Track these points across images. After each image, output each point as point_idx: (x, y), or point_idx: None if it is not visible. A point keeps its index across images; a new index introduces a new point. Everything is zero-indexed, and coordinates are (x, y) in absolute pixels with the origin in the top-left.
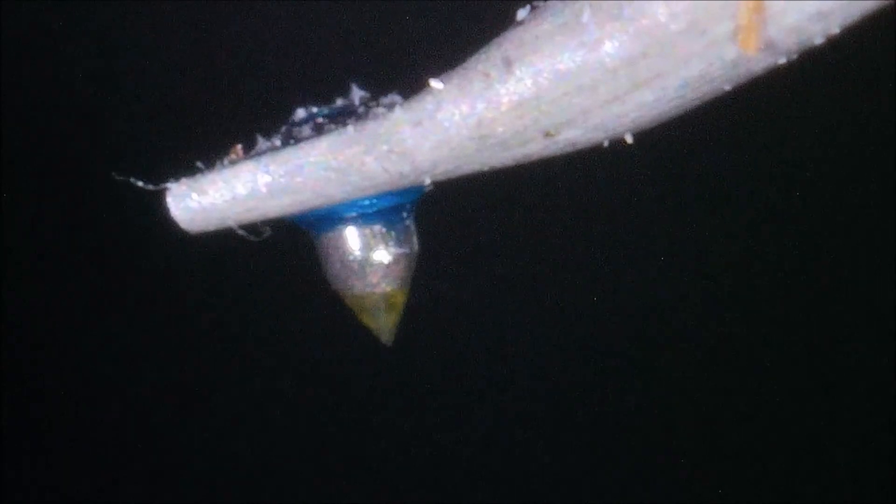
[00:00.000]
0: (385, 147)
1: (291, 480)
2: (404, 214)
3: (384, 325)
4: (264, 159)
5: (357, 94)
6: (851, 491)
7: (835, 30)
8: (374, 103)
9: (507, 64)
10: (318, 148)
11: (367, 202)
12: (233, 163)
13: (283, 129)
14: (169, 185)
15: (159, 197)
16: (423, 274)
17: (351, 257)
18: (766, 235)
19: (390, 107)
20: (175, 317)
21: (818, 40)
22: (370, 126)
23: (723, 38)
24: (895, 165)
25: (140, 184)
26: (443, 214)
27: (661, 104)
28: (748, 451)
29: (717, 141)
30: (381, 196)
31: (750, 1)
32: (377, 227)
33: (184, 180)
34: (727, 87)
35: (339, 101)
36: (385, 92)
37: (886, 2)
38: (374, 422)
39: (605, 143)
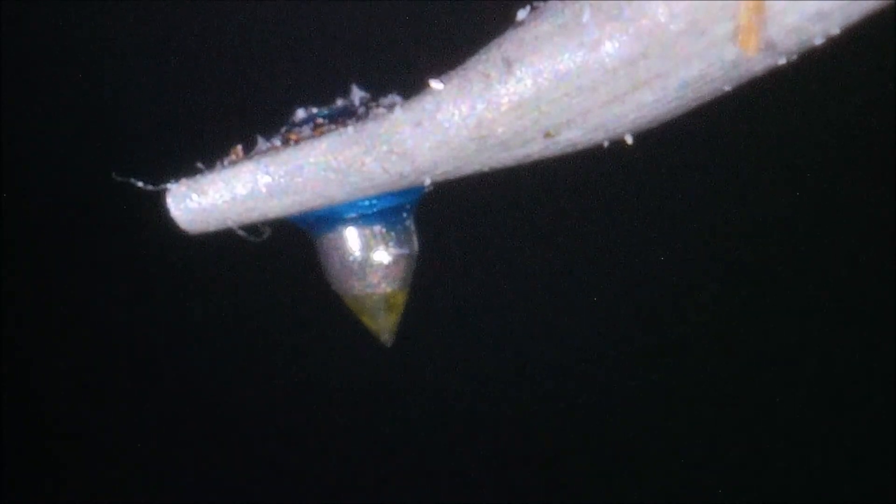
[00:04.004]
0: (385, 147)
1: (291, 480)
2: (404, 215)
3: (384, 325)
4: (264, 160)
5: (357, 94)
6: (851, 491)
7: (835, 30)
8: (374, 103)
9: (507, 64)
10: (318, 148)
11: (367, 203)
12: (233, 163)
13: (283, 129)
14: (169, 185)
15: (159, 197)
16: (423, 274)
17: (351, 258)
18: (766, 235)
19: (390, 107)
20: (174, 317)
21: (818, 41)
22: (370, 126)
23: (723, 38)
24: (895, 165)
25: (140, 184)
26: (443, 214)
27: (661, 105)
28: (748, 452)
29: (717, 141)
30: (381, 197)
31: (750, 1)
32: (377, 228)
33: (184, 181)
34: (727, 88)
35: (339, 102)
36: (385, 92)
37: (886, 2)
38: (374, 422)
39: (605, 144)
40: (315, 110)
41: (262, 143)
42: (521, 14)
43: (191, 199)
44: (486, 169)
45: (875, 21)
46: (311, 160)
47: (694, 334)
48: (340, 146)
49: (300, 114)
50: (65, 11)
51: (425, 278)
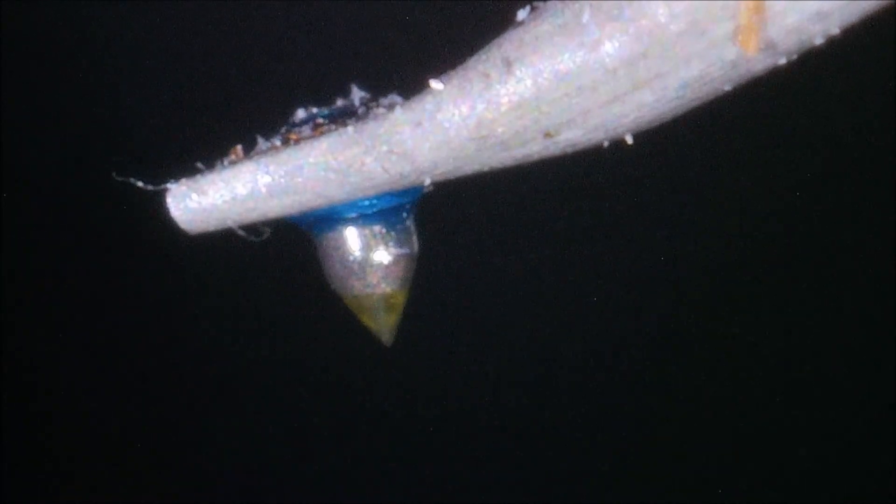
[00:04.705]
0: (385, 147)
1: (291, 479)
2: (404, 215)
3: (384, 325)
4: (264, 160)
5: (357, 94)
6: (851, 491)
7: (835, 30)
8: (374, 104)
9: (507, 64)
10: (318, 148)
11: (367, 203)
12: (233, 163)
13: (283, 129)
14: (169, 185)
15: (159, 197)
16: (423, 274)
17: (351, 258)
18: (766, 235)
19: (390, 107)
20: (175, 317)
21: (818, 41)
22: (370, 127)
23: (723, 38)
24: (895, 165)
25: (140, 184)
26: (443, 214)
27: (661, 104)
28: (747, 452)
29: (717, 141)
30: (380, 196)
31: (750, 1)
32: (377, 228)
33: (184, 181)
34: (727, 88)
35: (339, 102)
36: (385, 92)
37: (886, 2)
38: (374, 422)
39: (605, 144)
40: (315, 110)
41: (262, 143)
42: (521, 14)
43: (191, 199)
44: (486, 169)
45: (875, 21)
46: (311, 160)
47: (694, 334)
48: (340, 146)
49: (300, 114)
50: (65, 11)
51: (425, 278)
